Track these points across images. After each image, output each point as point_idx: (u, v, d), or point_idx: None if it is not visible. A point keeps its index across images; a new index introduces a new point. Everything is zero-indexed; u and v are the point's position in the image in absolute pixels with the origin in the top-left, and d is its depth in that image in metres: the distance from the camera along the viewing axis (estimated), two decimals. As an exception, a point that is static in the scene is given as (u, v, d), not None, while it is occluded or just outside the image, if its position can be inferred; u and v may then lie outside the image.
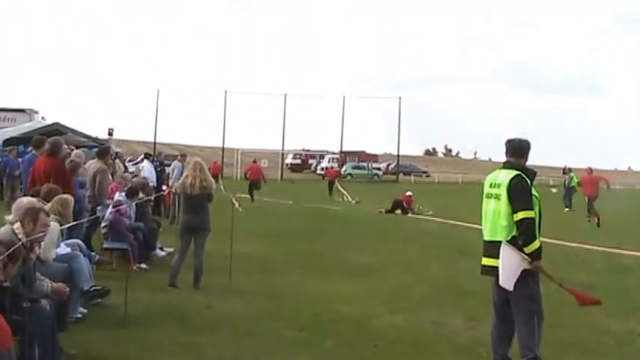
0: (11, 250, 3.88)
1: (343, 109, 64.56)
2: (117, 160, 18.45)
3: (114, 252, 9.99)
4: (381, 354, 6.33)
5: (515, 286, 5.26)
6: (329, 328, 7.08)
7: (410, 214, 23.05)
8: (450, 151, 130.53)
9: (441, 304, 8.37)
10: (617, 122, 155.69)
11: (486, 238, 5.57)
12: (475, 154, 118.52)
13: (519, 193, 5.34)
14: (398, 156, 66.52)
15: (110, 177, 11.92)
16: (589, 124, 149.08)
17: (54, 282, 5.59)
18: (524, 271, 5.27)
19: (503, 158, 5.76)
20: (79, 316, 6.80)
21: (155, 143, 59.79)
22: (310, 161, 70.40)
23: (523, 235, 5.25)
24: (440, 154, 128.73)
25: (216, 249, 10.17)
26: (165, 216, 16.94)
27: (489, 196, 5.55)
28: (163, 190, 17.22)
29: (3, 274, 4.20)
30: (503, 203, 5.36)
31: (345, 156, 65.53)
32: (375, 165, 65.73)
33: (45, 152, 9.09)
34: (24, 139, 20.03)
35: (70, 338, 5.88)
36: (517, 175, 5.40)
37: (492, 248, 5.41)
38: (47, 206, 6.47)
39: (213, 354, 6.12)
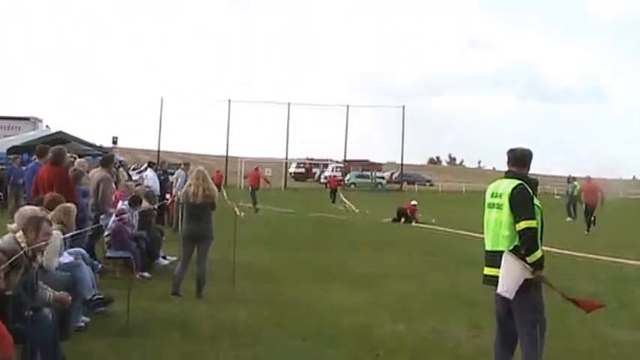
0: (13, 258, 3.88)
1: (347, 118, 64.73)
2: (121, 169, 18.50)
3: (117, 261, 9.99)
4: (383, 363, 6.31)
5: (517, 295, 5.23)
6: (331, 337, 7.07)
7: (414, 223, 23.02)
8: (454, 160, 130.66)
9: (444, 314, 8.35)
10: (623, 130, 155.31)
11: (488, 247, 5.55)
12: (479, 163, 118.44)
13: (521, 203, 5.32)
14: (402, 165, 66.47)
15: (114, 186, 11.96)
16: (594, 133, 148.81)
17: (56, 291, 5.60)
18: (526, 281, 5.23)
19: (507, 167, 5.74)
20: (82, 324, 6.81)
21: (159, 152, 59.96)
22: (314, 170, 70.37)
23: (525, 244, 5.23)
24: (444, 163, 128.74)
25: (219, 257, 10.18)
26: (168, 225, 16.94)
27: (491, 205, 5.53)
28: (166, 199, 17.22)
29: (5, 283, 4.20)
30: (505, 213, 5.34)
31: (348, 165, 65.51)
32: (378, 174, 65.66)
33: (48, 161, 9.11)
34: (28, 148, 20.08)
35: (73, 347, 5.89)
36: (519, 185, 5.38)
37: (494, 258, 5.38)
38: (50, 215, 6.48)
39: (215, 363, 6.12)
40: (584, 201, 22.69)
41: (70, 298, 5.52)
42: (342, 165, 64.96)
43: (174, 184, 18.15)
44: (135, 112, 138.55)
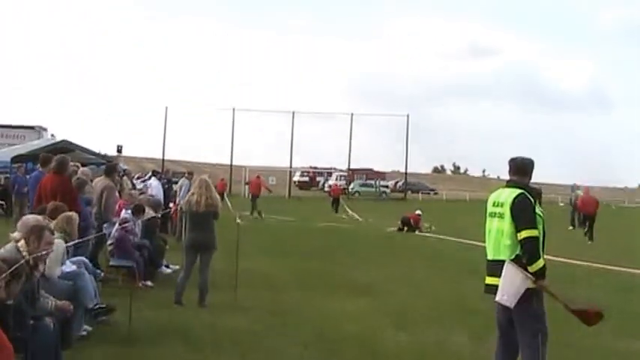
0: (13, 268, 3.89)
1: (351, 126, 64.69)
2: (125, 178, 18.56)
3: (120, 269, 10.01)
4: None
5: (518, 305, 5.23)
6: (333, 345, 7.07)
7: (417, 232, 23.01)
8: (459, 168, 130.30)
9: (446, 323, 8.34)
10: (627, 138, 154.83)
11: (490, 257, 5.55)
12: (484, 171, 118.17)
13: (523, 212, 5.31)
14: (406, 173, 66.43)
15: (117, 194, 11.99)
16: (598, 141, 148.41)
17: (59, 299, 5.61)
18: (528, 290, 5.23)
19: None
20: (84, 333, 6.80)
21: (163, 160, 60.06)
22: (318, 179, 70.39)
23: (527, 253, 5.22)
24: (448, 172, 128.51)
25: (222, 266, 10.19)
26: (172, 233, 16.96)
27: (493, 215, 5.54)
28: (170, 208, 17.26)
29: (6, 292, 4.21)
30: (507, 222, 5.34)
31: (352, 174, 65.51)
32: (382, 183, 65.64)
33: (51, 170, 9.15)
34: (32, 157, 20.15)
35: (75, 356, 5.89)
36: (520, 194, 5.38)
37: (496, 267, 5.38)
38: (52, 224, 6.51)
39: (217, 371, 6.12)
40: (582, 210, 23.23)
41: (71, 307, 5.53)
42: (346, 174, 64.96)
43: (178, 193, 18.21)
44: (140, 121, 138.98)
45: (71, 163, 10.66)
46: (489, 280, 5.51)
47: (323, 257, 14.67)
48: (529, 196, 5.40)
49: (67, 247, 7.09)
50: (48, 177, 9.14)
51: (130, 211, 11.00)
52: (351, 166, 65.71)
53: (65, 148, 20.87)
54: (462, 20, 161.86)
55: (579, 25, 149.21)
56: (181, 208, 12.05)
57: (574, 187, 28.53)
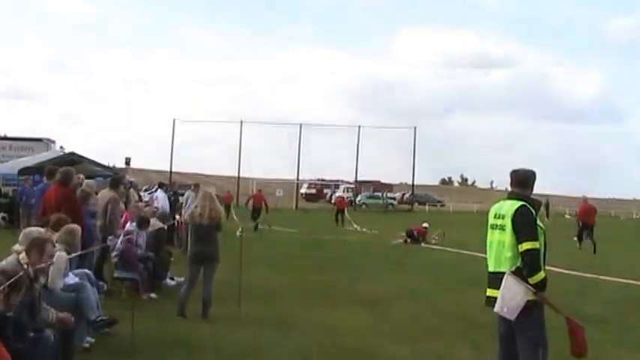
0: (12, 280, 3.92)
1: (358, 139, 64.82)
2: (131, 190, 18.63)
3: (124, 281, 10.04)
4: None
5: (519, 317, 5.22)
6: (333, 357, 7.07)
7: (423, 245, 22.96)
8: (466, 180, 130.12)
9: (449, 335, 8.31)
10: (638, 151, 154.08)
11: (491, 269, 5.55)
12: (491, 183, 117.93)
13: (524, 224, 5.30)
14: (412, 185, 66.42)
15: (123, 206, 12.05)
16: (609, 153, 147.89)
17: (61, 311, 5.63)
18: (528, 302, 5.22)
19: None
20: (87, 345, 6.83)
21: (171, 172, 60.31)
22: (325, 191, 70.45)
23: (528, 265, 5.21)
24: (456, 184, 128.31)
25: (225, 278, 10.19)
26: (178, 245, 17.00)
27: (494, 227, 5.54)
28: (176, 220, 17.32)
29: (5, 304, 4.24)
30: (508, 234, 5.33)
31: (359, 186, 65.57)
32: (389, 195, 65.66)
33: (56, 182, 9.21)
34: (39, 169, 20.28)
35: (77, 367, 5.91)
36: (522, 206, 5.37)
37: (497, 279, 5.37)
38: (55, 236, 6.55)
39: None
40: (579, 219, 23.76)
41: (72, 319, 5.55)
42: (353, 186, 65.00)
43: (183, 205, 18.26)
44: (149, 134, 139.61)
45: (80, 175, 10.76)
46: (490, 293, 5.51)
47: (327, 269, 14.65)
48: (530, 208, 5.40)
49: (70, 259, 7.14)
50: (52, 189, 9.20)
51: (134, 224, 11.05)
52: (359, 178, 65.80)
53: (72, 160, 21.02)
54: (470, 31, 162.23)
55: (589, 36, 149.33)
56: (185, 220, 12.11)
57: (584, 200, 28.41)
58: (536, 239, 5.26)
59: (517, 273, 5.24)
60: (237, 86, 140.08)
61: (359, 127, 65.40)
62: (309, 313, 9.47)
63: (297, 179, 65.12)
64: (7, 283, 3.90)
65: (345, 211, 35.54)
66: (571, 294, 11.62)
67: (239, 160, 62.93)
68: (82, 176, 10.86)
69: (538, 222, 5.41)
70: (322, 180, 72.51)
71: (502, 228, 5.41)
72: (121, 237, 10.37)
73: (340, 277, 13.47)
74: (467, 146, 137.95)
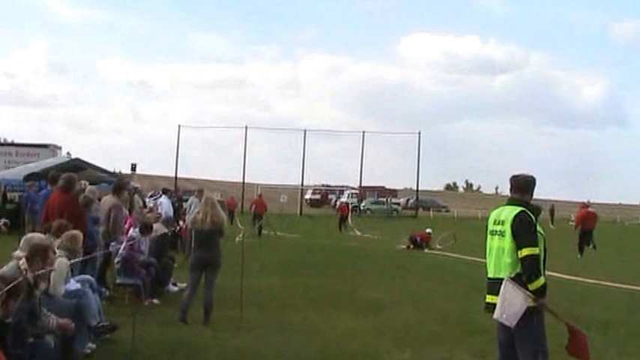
0: (10, 286, 3.95)
1: (362, 144, 64.89)
2: (136, 196, 18.68)
3: (126, 287, 10.07)
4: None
5: (519, 324, 5.22)
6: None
7: (426, 250, 22.96)
8: (471, 185, 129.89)
9: (450, 341, 8.30)
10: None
11: (490, 275, 5.55)
12: (497, 189, 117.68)
13: (523, 230, 5.30)
14: (417, 191, 66.37)
15: (127, 212, 12.09)
16: (614, 158, 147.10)
17: (62, 317, 5.66)
18: (528, 309, 5.21)
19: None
20: (88, 351, 6.85)
21: (176, 178, 60.47)
22: (330, 196, 70.49)
23: (527, 271, 5.20)
24: (460, 189, 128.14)
25: (227, 283, 10.23)
26: (181, 251, 17.03)
27: (493, 232, 5.54)
28: (180, 226, 17.34)
29: (3, 310, 4.26)
30: (507, 240, 5.33)
31: (364, 191, 65.58)
32: (394, 200, 65.66)
33: (58, 188, 9.25)
34: (45, 175, 20.33)
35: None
36: (521, 212, 5.37)
37: (496, 285, 5.37)
38: (57, 242, 6.58)
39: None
40: (580, 225, 23.57)
41: (73, 325, 5.57)
42: (357, 191, 65.01)
43: (187, 211, 18.31)
44: (155, 139, 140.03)
45: (81, 182, 10.81)
46: (490, 299, 5.51)
47: (329, 275, 14.66)
48: (530, 213, 5.40)
49: (73, 265, 7.17)
50: (55, 195, 9.25)
51: (137, 230, 11.08)
52: (363, 184, 65.80)
53: (77, 166, 21.09)
54: (473, 36, 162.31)
55: (593, 40, 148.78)
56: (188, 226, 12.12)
57: (588, 205, 28.37)
58: (535, 245, 5.26)
59: (517, 279, 5.24)
60: (242, 91, 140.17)
61: (363, 132, 65.59)
62: (312, 318, 9.48)
63: (302, 185, 65.17)
64: (6, 289, 3.92)
65: (349, 217, 35.65)
66: (574, 300, 11.60)
67: (244, 165, 63.13)
68: (84, 182, 10.89)
69: (538, 228, 5.41)
70: (327, 186, 72.56)
71: (502, 234, 5.41)
72: (124, 243, 10.40)
73: (343, 282, 13.47)
74: (472, 151, 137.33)
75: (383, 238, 28.54)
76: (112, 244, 10.31)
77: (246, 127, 63.56)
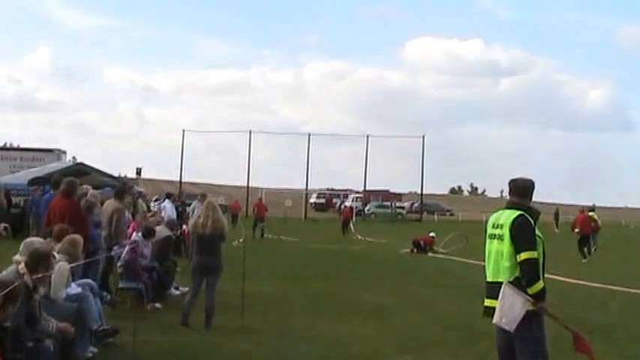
0: (7, 290, 3.96)
1: (367, 148, 64.86)
2: (140, 200, 18.73)
3: (128, 291, 10.08)
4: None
5: (518, 328, 5.21)
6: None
7: (430, 254, 22.93)
8: (476, 189, 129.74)
9: (452, 346, 8.29)
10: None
11: (489, 279, 5.54)
12: (502, 192, 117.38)
13: (522, 234, 5.29)
14: (421, 195, 66.31)
15: (130, 216, 12.11)
16: (619, 161, 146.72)
17: (62, 321, 5.67)
18: (527, 313, 5.20)
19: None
20: (90, 355, 6.87)
21: (181, 182, 60.54)
22: (334, 200, 70.46)
23: (526, 275, 5.19)
24: (465, 193, 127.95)
25: (229, 288, 10.24)
26: (184, 255, 17.04)
27: (492, 236, 5.53)
28: (183, 230, 17.37)
29: (1, 315, 4.26)
30: (506, 244, 5.32)
31: (368, 195, 65.56)
32: (398, 204, 65.61)
33: (60, 192, 9.28)
34: (49, 179, 20.41)
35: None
36: (520, 215, 5.36)
37: (495, 289, 5.36)
38: (57, 246, 6.60)
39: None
40: (578, 230, 24.09)
41: (72, 329, 5.58)
42: (362, 195, 64.99)
43: (190, 215, 18.33)
44: (159, 143, 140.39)
45: (83, 186, 10.82)
46: (488, 302, 5.50)
47: (332, 279, 14.66)
48: (529, 217, 5.39)
49: (74, 269, 7.19)
50: (56, 199, 9.27)
51: (140, 234, 11.10)
52: (368, 188, 65.80)
53: (81, 170, 21.15)
54: (478, 40, 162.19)
55: (598, 44, 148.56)
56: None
57: (592, 208, 28.40)
58: (534, 249, 5.24)
59: (516, 283, 5.23)
60: (247, 96, 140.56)
61: (367, 136, 65.52)
62: (313, 323, 9.48)
63: (307, 189, 65.18)
64: (2, 293, 3.94)
65: (350, 222, 35.76)
66: (577, 303, 11.57)
67: (248, 169, 63.15)
68: (86, 186, 10.91)
69: (537, 232, 5.41)
70: (331, 190, 72.54)
71: (500, 238, 5.40)
72: (126, 247, 10.42)
73: (346, 286, 13.47)
74: (476, 155, 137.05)
75: (387, 242, 28.50)
76: (115, 248, 10.33)
77: (251, 132, 63.68)
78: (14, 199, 23.40)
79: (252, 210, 32.76)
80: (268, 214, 29.54)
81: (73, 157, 33.60)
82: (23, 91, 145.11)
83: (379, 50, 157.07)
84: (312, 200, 68.62)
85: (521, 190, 5.61)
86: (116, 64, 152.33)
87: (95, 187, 13.68)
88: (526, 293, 5.20)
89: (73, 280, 7.28)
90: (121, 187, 11.57)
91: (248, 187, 62.05)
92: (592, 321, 9.74)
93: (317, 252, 22.59)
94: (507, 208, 5.56)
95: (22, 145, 36.19)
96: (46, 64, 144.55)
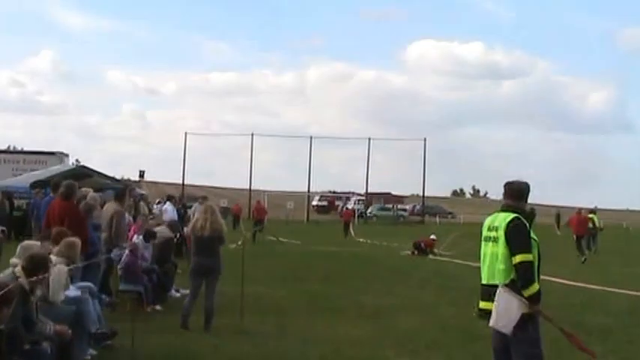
0: (1, 292, 3.99)
1: (369, 151, 64.93)
2: (141, 202, 18.80)
3: (128, 294, 10.11)
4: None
5: (514, 330, 5.22)
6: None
7: (430, 256, 22.94)
8: (478, 191, 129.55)
9: (450, 348, 8.30)
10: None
11: (484, 281, 5.55)
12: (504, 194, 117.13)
13: (517, 236, 5.30)
14: (423, 197, 66.33)
15: (131, 219, 12.15)
16: (621, 163, 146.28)
17: (61, 324, 5.70)
18: (523, 316, 5.22)
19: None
20: (88, 357, 6.91)
21: (183, 185, 60.65)
22: (337, 203, 70.51)
23: (521, 278, 5.20)
24: (468, 195, 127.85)
25: (229, 290, 10.27)
26: (185, 258, 17.06)
27: (487, 239, 5.54)
28: (183, 232, 17.40)
29: (-4, 318, 4.28)
30: (501, 246, 5.33)
31: (370, 198, 65.57)
32: (400, 206, 65.62)
33: (59, 195, 9.31)
34: (50, 182, 20.46)
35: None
36: (515, 218, 5.38)
37: (490, 292, 5.37)
38: (55, 249, 6.63)
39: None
40: (574, 232, 24.27)
41: (70, 331, 5.61)
42: (364, 198, 64.99)
43: (191, 218, 18.37)
44: (163, 146, 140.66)
45: (84, 189, 10.85)
46: (483, 305, 5.52)
47: (332, 281, 14.66)
48: (524, 220, 5.40)
49: (74, 272, 7.22)
50: (55, 202, 9.30)
51: (141, 237, 11.15)
52: (370, 190, 65.82)
53: (83, 173, 21.22)
54: (479, 42, 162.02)
55: (599, 46, 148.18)
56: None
57: (594, 211, 28.35)
58: (529, 251, 5.25)
59: (511, 285, 5.25)
60: (249, 98, 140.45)
61: (369, 138, 65.62)
62: (312, 325, 9.50)
63: (309, 191, 65.23)
64: (-3, 295, 3.97)
65: (351, 224, 35.90)
66: (576, 306, 11.58)
67: (250, 172, 63.27)
68: (85, 189, 10.95)
69: (532, 234, 5.43)
70: (334, 192, 72.58)
71: (495, 240, 5.42)
72: (127, 250, 10.45)
73: (344, 288, 13.48)
74: (478, 157, 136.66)
75: (388, 244, 28.51)
76: (114, 250, 10.36)
77: (253, 134, 63.82)
78: (17, 202, 23.46)
79: (252, 213, 32.91)
80: (270, 216, 29.64)
81: (77, 160, 33.74)
82: (26, 94, 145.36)
83: (381, 53, 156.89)
84: (314, 203, 68.69)
85: (517, 192, 5.62)
86: (119, 66, 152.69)
87: (97, 190, 13.72)
88: (521, 296, 5.23)
89: (72, 283, 7.32)
90: (122, 190, 11.60)
91: (250, 189, 62.13)
92: (590, 323, 9.75)
93: (317, 254, 22.60)
94: (502, 210, 5.57)
95: (26, 148, 36.29)
96: (49, 67, 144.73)
